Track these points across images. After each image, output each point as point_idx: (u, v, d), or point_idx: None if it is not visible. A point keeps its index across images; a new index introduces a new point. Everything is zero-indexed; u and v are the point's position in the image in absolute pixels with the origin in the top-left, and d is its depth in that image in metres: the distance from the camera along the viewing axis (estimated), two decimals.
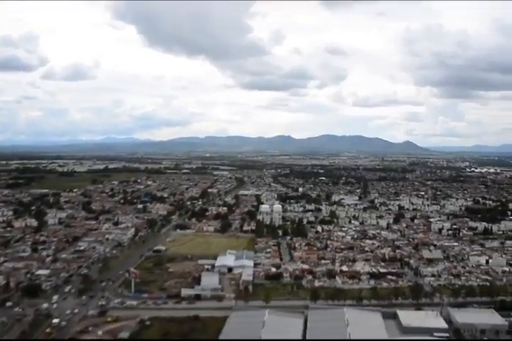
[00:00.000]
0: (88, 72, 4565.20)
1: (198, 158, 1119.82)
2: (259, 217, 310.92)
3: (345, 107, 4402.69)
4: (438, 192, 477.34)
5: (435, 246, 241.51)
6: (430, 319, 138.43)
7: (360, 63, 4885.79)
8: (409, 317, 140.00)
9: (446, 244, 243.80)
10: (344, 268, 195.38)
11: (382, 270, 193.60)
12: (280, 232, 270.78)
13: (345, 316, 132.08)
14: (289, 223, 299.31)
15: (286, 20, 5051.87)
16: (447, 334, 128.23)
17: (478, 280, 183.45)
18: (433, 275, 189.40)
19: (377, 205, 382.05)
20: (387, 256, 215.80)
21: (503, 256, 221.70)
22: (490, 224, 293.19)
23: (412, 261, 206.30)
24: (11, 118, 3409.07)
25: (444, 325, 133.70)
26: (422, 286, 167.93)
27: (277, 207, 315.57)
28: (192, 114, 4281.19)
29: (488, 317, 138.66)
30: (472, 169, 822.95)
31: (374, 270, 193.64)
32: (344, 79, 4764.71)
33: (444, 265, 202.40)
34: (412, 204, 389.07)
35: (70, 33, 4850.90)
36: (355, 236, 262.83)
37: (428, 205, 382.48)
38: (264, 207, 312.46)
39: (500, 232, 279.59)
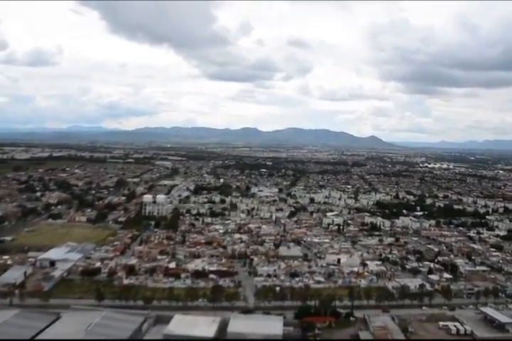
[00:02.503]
0: (51, 58, 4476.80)
1: (156, 148, 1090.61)
2: (149, 208, 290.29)
3: (311, 100, 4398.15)
4: (366, 186, 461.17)
5: (304, 242, 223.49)
6: (203, 326, 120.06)
7: (326, 56, 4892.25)
8: (182, 322, 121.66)
9: (316, 240, 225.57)
10: (172, 265, 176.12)
11: (214, 268, 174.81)
12: (152, 224, 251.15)
13: (94, 320, 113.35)
14: (169, 215, 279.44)
15: (251, 11, 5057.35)
16: None
17: (311, 281, 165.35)
18: (268, 275, 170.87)
19: (288, 198, 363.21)
20: (236, 253, 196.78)
21: (366, 254, 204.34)
22: (384, 220, 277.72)
23: (255, 259, 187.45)
24: None
25: (211, 333, 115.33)
26: (223, 288, 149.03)
27: (161, 197, 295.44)
28: (159, 104, 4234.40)
29: (266, 326, 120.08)
30: (425, 164, 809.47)
31: (207, 267, 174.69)
32: (310, 72, 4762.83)
33: (285, 264, 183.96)
34: (327, 197, 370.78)
35: (30, 17, 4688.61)
36: (229, 230, 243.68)
37: (341, 199, 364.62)
38: (147, 198, 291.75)
39: (388, 229, 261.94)
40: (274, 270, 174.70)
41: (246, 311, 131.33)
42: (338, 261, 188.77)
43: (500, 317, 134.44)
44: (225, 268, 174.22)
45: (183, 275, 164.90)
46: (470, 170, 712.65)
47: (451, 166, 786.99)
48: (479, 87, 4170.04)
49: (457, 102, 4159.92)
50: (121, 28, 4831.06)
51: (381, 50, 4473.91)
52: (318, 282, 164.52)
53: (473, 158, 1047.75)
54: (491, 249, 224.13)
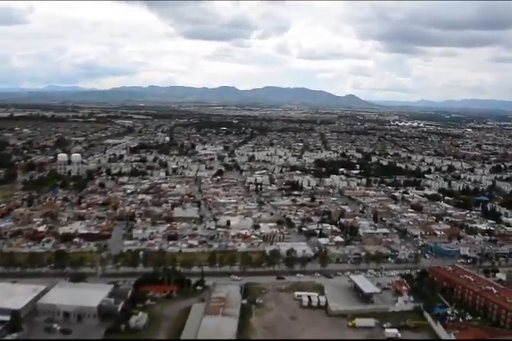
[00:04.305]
0: (23, 16, 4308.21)
1: (129, 107, 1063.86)
2: (68, 167, 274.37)
3: (290, 59, 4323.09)
4: (319, 144, 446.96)
5: (209, 202, 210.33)
6: (18, 295, 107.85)
7: (303, 14, 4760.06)
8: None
9: (223, 200, 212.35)
10: (41, 228, 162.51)
11: (86, 231, 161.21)
12: (59, 184, 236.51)
13: None
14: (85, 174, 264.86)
15: None
16: (7, 318, 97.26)
17: (184, 245, 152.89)
18: (143, 239, 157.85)
19: (226, 156, 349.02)
20: (125, 215, 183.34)
21: (265, 216, 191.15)
22: (311, 179, 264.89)
23: (139, 221, 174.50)
24: None
25: (20, 305, 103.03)
26: (66, 253, 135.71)
27: (75, 156, 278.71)
28: (137, 63, 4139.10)
29: (85, 297, 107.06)
30: (396, 123, 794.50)
31: (80, 230, 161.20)
32: (287, 30, 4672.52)
33: (170, 226, 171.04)
34: (269, 155, 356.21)
35: None
36: (138, 190, 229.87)
37: (283, 157, 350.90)
38: (61, 156, 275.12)
39: (310, 188, 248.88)
40: (152, 233, 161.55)
41: (76, 279, 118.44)
42: (228, 223, 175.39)
43: (367, 286, 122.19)
44: (97, 231, 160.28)
45: (44, 239, 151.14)
46: (439, 129, 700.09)
47: (421, 124, 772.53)
48: (457, 47, 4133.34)
49: (436, 61, 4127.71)
50: None
51: (358, 7, 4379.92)
52: (191, 246, 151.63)
53: (448, 117, 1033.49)
54: (409, 210, 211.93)
